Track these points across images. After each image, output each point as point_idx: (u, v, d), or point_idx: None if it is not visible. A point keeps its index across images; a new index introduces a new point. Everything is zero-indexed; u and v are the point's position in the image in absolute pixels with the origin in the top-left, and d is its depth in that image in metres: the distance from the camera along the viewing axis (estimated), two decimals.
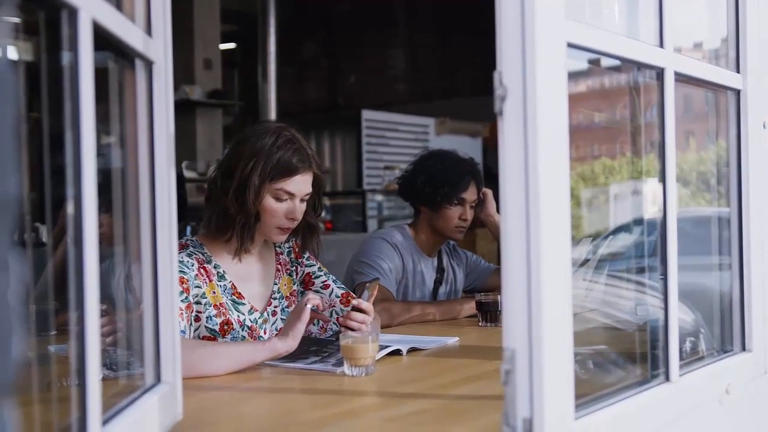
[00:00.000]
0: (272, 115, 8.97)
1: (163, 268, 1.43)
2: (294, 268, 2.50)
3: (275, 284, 2.43)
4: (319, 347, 2.22)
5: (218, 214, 2.27)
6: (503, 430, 1.23)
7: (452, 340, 2.43)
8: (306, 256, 2.52)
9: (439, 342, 2.39)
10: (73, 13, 1.01)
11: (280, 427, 1.59)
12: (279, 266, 2.46)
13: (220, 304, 2.25)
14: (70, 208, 1.05)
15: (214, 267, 2.29)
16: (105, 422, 1.13)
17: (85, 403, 1.03)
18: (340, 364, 1.97)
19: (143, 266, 1.42)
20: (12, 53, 0.64)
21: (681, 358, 1.62)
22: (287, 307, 2.43)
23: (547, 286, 1.21)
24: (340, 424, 1.57)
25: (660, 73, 1.58)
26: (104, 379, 1.13)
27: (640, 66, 1.63)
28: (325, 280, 2.51)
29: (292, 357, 2.08)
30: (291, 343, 2.03)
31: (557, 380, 1.23)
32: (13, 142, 0.61)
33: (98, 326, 1.05)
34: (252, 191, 2.22)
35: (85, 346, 1.03)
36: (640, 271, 1.94)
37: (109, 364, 1.44)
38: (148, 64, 1.39)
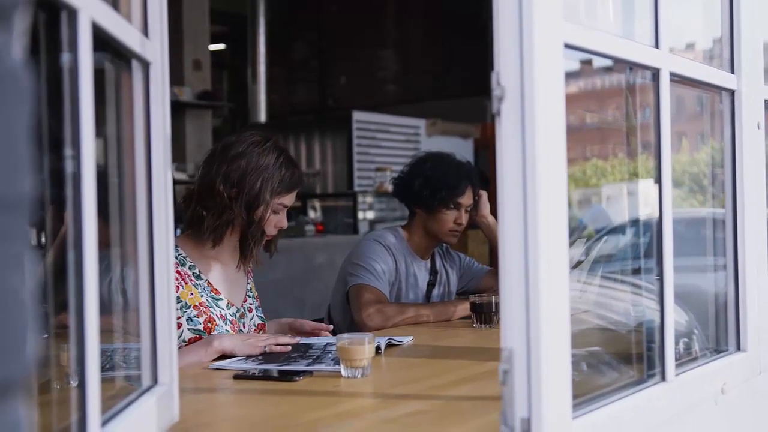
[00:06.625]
0: (262, 116, 8.99)
1: (160, 269, 1.43)
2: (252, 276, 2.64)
3: (248, 284, 2.56)
4: (302, 352, 2.21)
5: (224, 224, 2.36)
6: (501, 430, 1.23)
7: (407, 339, 2.45)
8: None
9: (397, 341, 2.41)
10: (72, 13, 1.00)
11: (276, 428, 1.58)
12: (249, 269, 2.58)
13: (200, 303, 2.34)
14: (67, 210, 1.05)
15: (189, 268, 2.38)
16: (103, 424, 1.13)
17: (85, 404, 1.03)
18: (338, 362, 1.97)
19: (140, 268, 1.41)
20: (28, 55, 0.64)
21: (676, 359, 1.62)
22: (258, 306, 2.57)
23: (545, 286, 1.21)
24: (337, 426, 1.56)
25: (656, 74, 1.58)
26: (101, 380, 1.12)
27: (636, 66, 1.63)
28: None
29: (286, 361, 2.08)
30: (234, 343, 2.18)
31: (555, 380, 1.23)
32: (30, 143, 0.62)
33: (97, 328, 1.05)
34: (263, 207, 2.36)
35: (84, 348, 1.03)
36: (634, 272, 1.95)
37: (104, 365, 1.43)
38: (145, 65, 1.38)
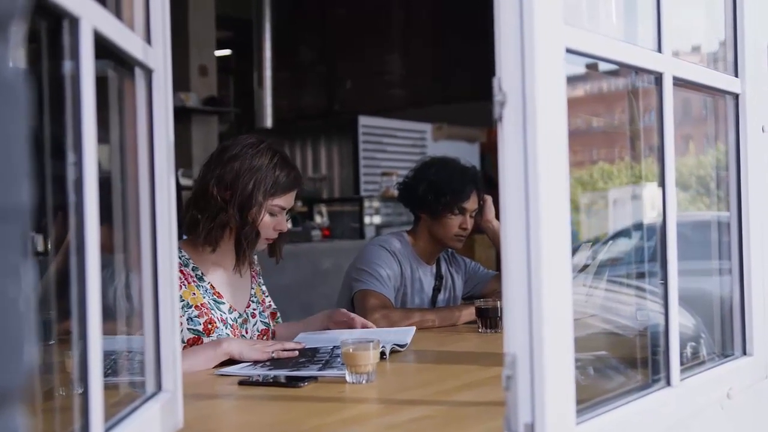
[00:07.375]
0: (268, 121, 8.98)
1: (164, 276, 1.43)
2: (260, 279, 2.63)
3: (252, 289, 2.55)
4: (308, 357, 2.21)
5: (218, 226, 2.36)
6: None
7: (410, 331, 2.52)
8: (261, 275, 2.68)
9: (400, 333, 2.47)
10: (74, 22, 1.01)
11: None
12: (253, 274, 2.58)
13: (202, 304, 2.35)
14: (70, 217, 1.05)
15: (192, 270, 2.39)
16: (107, 431, 1.13)
17: (88, 411, 1.03)
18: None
19: (143, 275, 1.41)
20: (25, 62, 0.64)
21: (682, 363, 1.62)
22: (263, 311, 2.55)
23: (547, 291, 1.21)
24: (341, 431, 1.56)
25: (659, 78, 1.58)
26: (106, 387, 1.12)
27: (639, 71, 1.63)
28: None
29: (295, 367, 2.08)
30: (242, 348, 2.18)
31: (558, 385, 1.23)
32: (26, 151, 0.62)
33: (100, 335, 1.05)
34: (256, 208, 2.35)
35: (87, 355, 1.03)
36: (640, 276, 1.94)
37: (108, 371, 1.43)
38: (148, 73, 1.39)
